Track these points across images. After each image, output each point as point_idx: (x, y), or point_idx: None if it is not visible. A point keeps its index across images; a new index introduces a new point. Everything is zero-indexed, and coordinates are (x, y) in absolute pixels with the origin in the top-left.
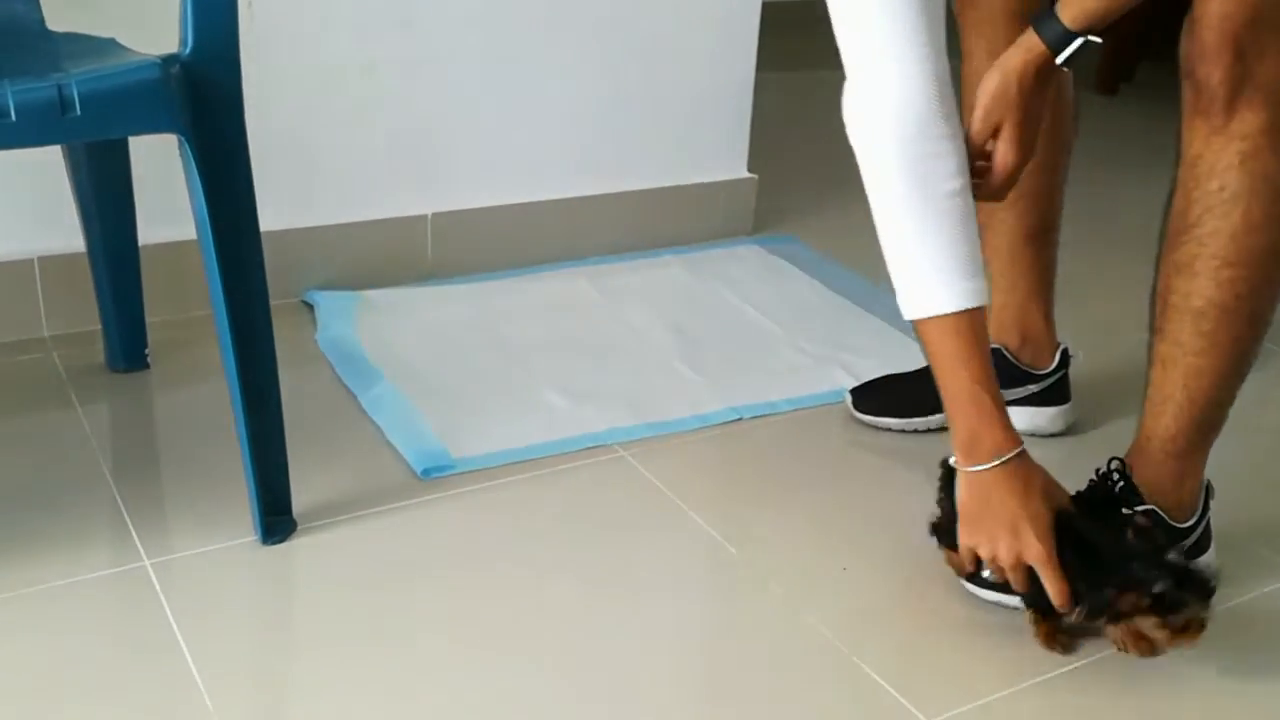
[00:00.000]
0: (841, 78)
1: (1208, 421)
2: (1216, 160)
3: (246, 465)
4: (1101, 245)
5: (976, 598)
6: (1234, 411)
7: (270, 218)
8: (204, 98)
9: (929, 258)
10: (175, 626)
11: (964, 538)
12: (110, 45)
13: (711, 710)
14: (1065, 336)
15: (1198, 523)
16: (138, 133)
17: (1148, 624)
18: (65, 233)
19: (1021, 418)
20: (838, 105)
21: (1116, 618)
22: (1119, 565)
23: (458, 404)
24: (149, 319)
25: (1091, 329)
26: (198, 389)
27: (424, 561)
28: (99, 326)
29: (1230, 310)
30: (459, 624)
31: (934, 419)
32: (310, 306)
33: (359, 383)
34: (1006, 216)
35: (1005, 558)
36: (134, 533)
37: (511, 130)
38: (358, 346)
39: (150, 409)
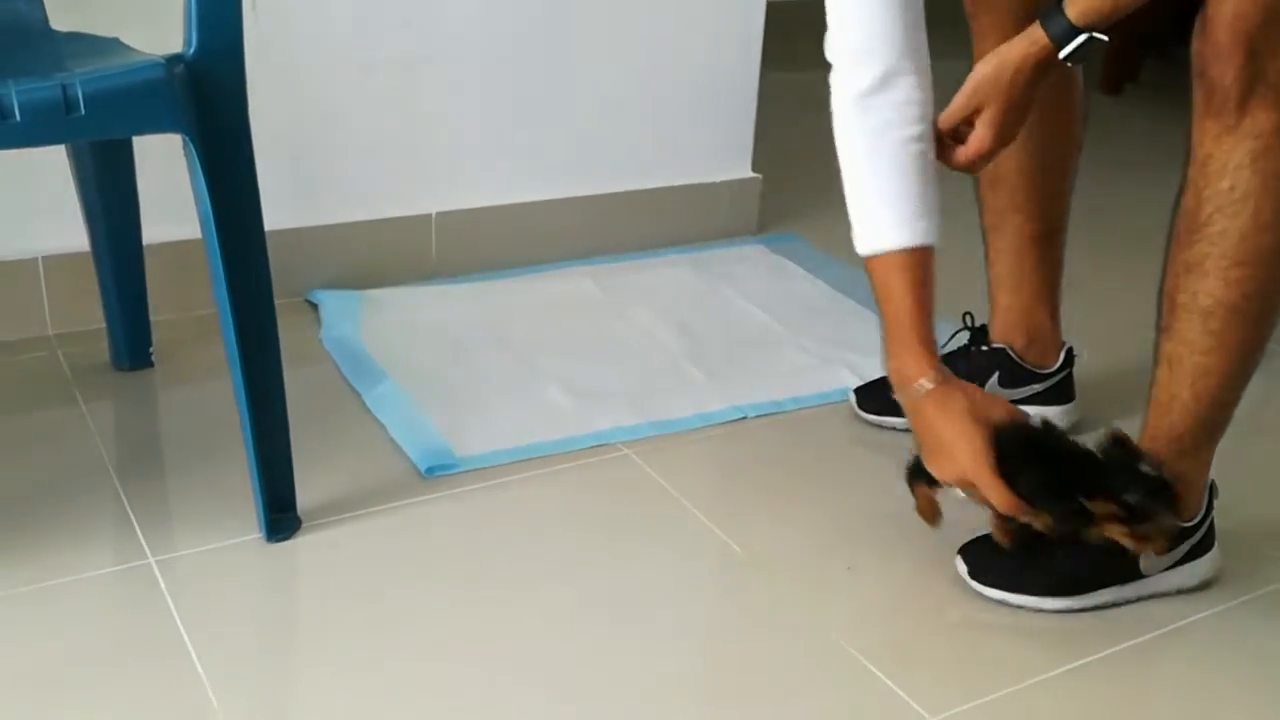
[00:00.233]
0: None
1: (1213, 421)
2: (1228, 160)
3: (251, 463)
4: (1104, 244)
5: (981, 596)
6: (1238, 411)
7: (274, 217)
8: (208, 97)
9: (881, 196)
10: (180, 624)
11: (927, 466)
12: (114, 45)
13: (716, 708)
14: (1069, 335)
15: (1201, 521)
16: (142, 132)
17: (1116, 531)
18: (70, 232)
19: None
20: None
21: (1087, 523)
22: (1092, 474)
23: (462, 403)
24: (154, 318)
25: (1095, 328)
26: (202, 388)
27: (428, 559)
28: (104, 325)
29: (1238, 310)
30: (463, 621)
31: None
32: (314, 306)
33: (363, 381)
34: (1014, 218)
35: (949, 478)
36: (138, 530)
37: (515, 129)
38: (362, 345)
39: (155, 407)
